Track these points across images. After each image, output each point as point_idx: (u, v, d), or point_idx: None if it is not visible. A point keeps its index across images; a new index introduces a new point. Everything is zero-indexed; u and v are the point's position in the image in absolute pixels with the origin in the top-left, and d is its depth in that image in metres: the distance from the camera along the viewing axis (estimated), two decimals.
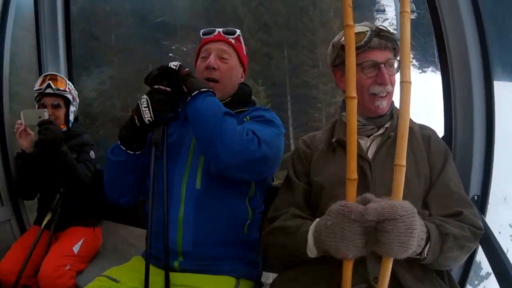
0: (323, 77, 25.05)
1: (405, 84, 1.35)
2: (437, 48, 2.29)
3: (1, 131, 3.33)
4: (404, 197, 1.41)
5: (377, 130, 1.88)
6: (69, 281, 2.67)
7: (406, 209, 1.34)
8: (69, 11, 3.74)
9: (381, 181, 1.73)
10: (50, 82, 2.97)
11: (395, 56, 1.83)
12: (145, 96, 1.99)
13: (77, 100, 3.23)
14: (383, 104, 1.84)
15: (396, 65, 1.81)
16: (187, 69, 1.98)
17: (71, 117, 3.14)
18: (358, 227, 1.36)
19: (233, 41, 2.23)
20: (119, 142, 2.07)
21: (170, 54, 26.72)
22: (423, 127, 1.92)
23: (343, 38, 1.86)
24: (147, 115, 1.96)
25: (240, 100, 2.25)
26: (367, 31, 1.80)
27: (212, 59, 2.13)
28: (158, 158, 2.01)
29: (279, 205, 1.91)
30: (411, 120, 1.85)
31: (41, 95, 3.01)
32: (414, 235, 1.35)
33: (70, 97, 3.09)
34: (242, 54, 2.28)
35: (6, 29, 3.30)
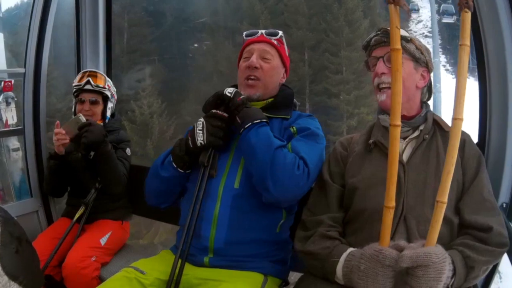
0: (346, 84, 24.18)
1: (457, 121, 1.33)
2: (476, 53, 2.25)
3: (36, 125, 3.41)
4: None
5: (412, 132, 1.88)
6: (94, 273, 2.68)
7: (439, 255, 1.40)
8: (110, 9, 3.77)
9: (413, 184, 1.74)
10: (90, 78, 2.99)
11: (402, 49, 1.82)
12: (201, 119, 2.06)
13: (116, 97, 3.25)
14: (382, 97, 1.88)
15: None
16: (242, 97, 2.05)
17: (108, 113, 3.16)
18: (390, 271, 1.41)
19: (275, 42, 2.26)
20: (171, 159, 2.12)
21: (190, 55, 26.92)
22: None
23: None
24: (200, 138, 2.04)
25: (282, 102, 2.26)
26: (373, 35, 1.93)
27: (254, 59, 2.17)
28: (204, 176, 2.06)
29: (313, 207, 1.93)
30: (447, 125, 1.87)
31: (80, 90, 3.03)
32: (442, 279, 1.41)
33: (108, 93, 3.11)
34: (284, 55, 2.30)
35: (47, 24, 3.36)
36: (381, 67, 1.87)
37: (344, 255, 1.63)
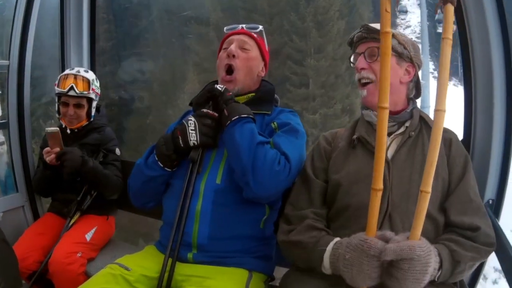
0: (312, 101, 19.87)
1: (440, 112, 1.32)
2: (461, 51, 2.27)
3: (20, 118, 3.39)
4: None
5: (398, 128, 1.88)
6: (80, 268, 2.68)
7: (423, 248, 1.39)
8: (94, 2, 3.74)
9: (398, 181, 1.74)
10: (73, 85, 2.94)
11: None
12: (192, 119, 2.05)
13: (100, 94, 3.21)
14: (363, 93, 1.89)
15: (379, 52, 1.80)
16: (231, 93, 2.07)
17: (93, 112, 3.14)
18: (375, 261, 1.40)
19: (255, 35, 2.29)
20: (156, 158, 2.10)
21: None
22: (445, 130, 1.89)
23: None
24: (193, 138, 2.03)
25: (263, 98, 2.27)
26: (357, 31, 1.93)
27: (233, 47, 2.19)
28: (193, 172, 2.06)
29: (295, 202, 1.93)
30: (433, 122, 1.86)
31: (63, 95, 2.99)
32: (428, 272, 1.40)
33: (93, 96, 3.08)
34: (263, 49, 2.32)
35: (32, 16, 3.34)
36: (361, 62, 1.87)
37: (331, 244, 1.63)
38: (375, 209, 1.40)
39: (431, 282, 1.54)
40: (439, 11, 1.34)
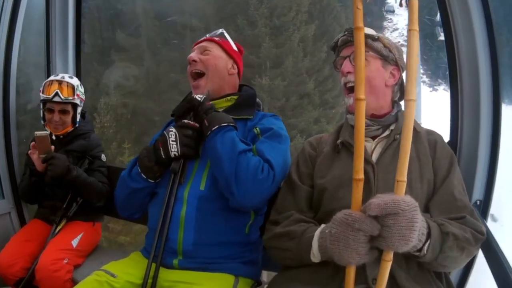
0: None
1: (410, 102, 1.34)
2: (447, 52, 2.28)
3: (6, 123, 3.35)
4: None
5: (383, 132, 1.87)
6: (66, 275, 2.66)
7: (408, 203, 1.35)
8: (80, 7, 3.73)
9: (384, 184, 1.72)
10: (58, 91, 2.94)
11: (368, 47, 1.81)
12: (173, 130, 2.05)
13: (84, 100, 3.19)
14: (350, 102, 1.89)
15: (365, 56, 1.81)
16: (211, 102, 2.08)
17: (78, 118, 3.14)
18: (361, 235, 1.37)
19: (216, 38, 2.31)
20: (139, 170, 2.09)
21: None
22: (430, 132, 1.91)
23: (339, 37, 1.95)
24: (174, 149, 2.03)
25: (245, 102, 2.27)
26: (340, 35, 1.92)
27: (192, 54, 2.22)
28: (174, 183, 2.06)
29: (281, 208, 1.91)
30: (418, 125, 1.88)
31: (48, 101, 2.99)
32: (415, 229, 1.36)
33: (78, 101, 3.07)
34: (227, 47, 2.32)
35: (17, 20, 3.32)
36: (347, 66, 1.86)
37: (319, 229, 1.62)
38: (357, 196, 1.42)
39: (420, 266, 1.56)
40: (404, 4, 1.39)
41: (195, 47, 2.29)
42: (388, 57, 1.85)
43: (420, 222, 1.40)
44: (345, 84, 1.88)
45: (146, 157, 2.08)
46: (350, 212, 1.41)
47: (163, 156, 2.04)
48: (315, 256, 1.61)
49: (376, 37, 1.83)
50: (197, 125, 2.05)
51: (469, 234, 1.61)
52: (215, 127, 1.96)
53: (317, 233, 1.61)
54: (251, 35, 16.35)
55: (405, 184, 1.34)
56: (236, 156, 1.90)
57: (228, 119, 2.02)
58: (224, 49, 2.29)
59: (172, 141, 2.02)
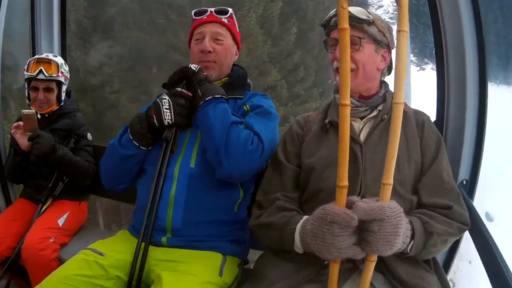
0: None
1: (398, 105, 1.32)
2: (433, 30, 2.27)
3: None
4: (394, 182, 1.42)
5: (370, 112, 1.87)
6: (52, 254, 2.67)
7: (393, 209, 1.36)
8: None
9: (371, 163, 1.72)
10: (42, 68, 2.93)
11: (364, 33, 1.80)
12: (166, 97, 2.04)
13: (69, 78, 3.19)
14: (339, 80, 1.84)
15: (360, 42, 1.79)
16: (205, 73, 2.06)
17: (63, 97, 3.12)
18: (336, 228, 1.35)
19: (226, 20, 2.24)
20: (131, 137, 2.07)
21: None
22: (417, 113, 1.92)
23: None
24: (168, 117, 2.02)
25: (236, 83, 2.26)
26: (333, 12, 1.85)
27: (207, 43, 2.15)
28: (166, 152, 2.05)
29: (267, 188, 1.91)
30: (406, 105, 1.86)
31: (32, 79, 2.98)
32: (400, 234, 1.37)
33: (62, 79, 3.06)
34: (235, 33, 2.29)
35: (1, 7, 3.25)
36: (338, 51, 1.83)
37: (301, 221, 1.62)
38: (341, 203, 1.38)
39: (403, 254, 1.55)
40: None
41: (205, 29, 2.20)
42: (382, 41, 1.83)
43: (404, 227, 1.40)
44: (337, 68, 1.84)
45: (138, 124, 2.06)
46: (325, 206, 1.40)
47: (157, 124, 2.03)
48: (299, 248, 1.61)
49: (371, 20, 1.79)
50: (190, 94, 2.04)
51: (454, 228, 1.63)
52: (209, 98, 1.96)
53: (298, 227, 1.61)
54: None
55: (391, 187, 1.34)
56: (227, 127, 1.90)
57: (221, 91, 2.02)
58: (233, 35, 2.27)
59: (166, 108, 2.01)
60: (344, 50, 1.30)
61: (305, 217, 1.63)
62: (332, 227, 1.35)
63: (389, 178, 1.33)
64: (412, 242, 1.52)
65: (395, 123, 1.32)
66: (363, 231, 1.36)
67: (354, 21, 1.74)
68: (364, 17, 1.76)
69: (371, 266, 1.39)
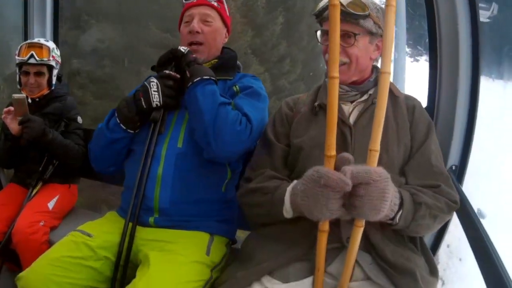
0: None
1: (385, 75, 1.33)
2: (427, 15, 2.26)
3: None
4: (382, 164, 1.42)
5: (361, 96, 1.86)
6: (43, 237, 2.67)
7: (380, 174, 1.35)
8: None
9: (360, 146, 1.72)
10: (33, 52, 2.94)
11: (359, 28, 1.77)
12: (154, 80, 2.04)
13: (60, 62, 3.19)
14: None
15: (356, 37, 1.76)
16: (194, 55, 2.07)
17: (54, 80, 3.12)
18: (330, 191, 1.35)
19: (215, 3, 2.25)
20: (118, 121, 2.08)
21: None
22: (408, 97, 1.92)
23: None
24: (156, 99, 2.03)
25: (226, 64, 2.27)
26: (327, 2, 1.79)
27: (195, 23, 2.16)
28: (154, 132, 2.05)
29: (256, 166, 1.91)
30: (397, 90, 1.87)
31: (24, 64, 2.98)
32: (387, 199, 1.37)
33: (53, 63, 3.06)
34: (225, 16, 2.30)
35: None
36: None
37: (291, 185, 1.61)
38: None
39: (391, 226, 1.56)
40: None
41: (194, 11, 2.21)
42: (377, 33, 1.81)
43: (391, 193, 1.40)
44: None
45: (125, 107, 2.07)
46: (318, 169, 1.39)
47: (145, 106, 2.03)
48: (288, 211, 1.60)
49: (368, 13, 1.75)
50: (178, 76, 2.05)
51: (442, 203, 1.63)
52: (197, 79, 1.96)
53: (289, 188, 1.61)
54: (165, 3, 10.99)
55: (377, 153, 1.34)
56: (216, 107, 1.91)
57: (210, 72, 2.02)
58: (222, 18, 2.28)
59: (154, 91, 2.02)
60: (334, 27, 1.29)
61: (295, 181, 1.62)
62: (326, 190, 1.35)
63: (376, 145, 1.34)
64: (401, 211, 1.52)
65: (382, 92, 1.33)
66: (350, 195, 1.36)
67: (350, 17, 1.73)
68: (360, 12, 1.73)
69: (358, 231, 1.39)
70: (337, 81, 1.33)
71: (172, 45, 2.17)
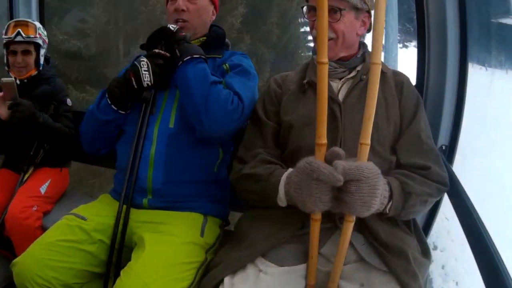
0: None
1: (375, 66, 1.32)
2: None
3: None
4: (373, 142, 1.44)
5: (349, 73, 1.86)
6: (36, 222, 2.66)
7: (371, 170, 1.36)
8: None
9: (350, 123, 1.73)
10: (20, 29, 2.91)
11: (344, 3, 1.76)
12: (144, 59, 2.02)
13: (47, 42, 3.16)
14: None
15: (341, 12, 1.76)
16: (184, 33, 2.04)
17: (42, 61, 3.09)
18: (323, 184, 1.36)
19: None
20: (109, 102, 2.06)
21: None
22: (396, 73, 1.92)
23: None
24: (147, 79, 2.01)
25: (214, 42, 2.26)
26: None
27: (180, 1, 2.14)
28: (146, 112, 2.05)
29: (248, 144, 1.91)
30: (385, 66, 1.86)
31: (11, 42, 2.95)
32: (377, 195, 1.38)
33: (40, 41, 3.03)
34: None
35: None
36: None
37: (286, 173, 1.63)
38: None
39: (382, 214, 1.57)
40: None
41: None
42: (363, 8, 1.81)
43: (382, 189, 1.41)
44: (316, 37, 1.84)
45: (116, 87, 2.05)
46: (310, 161, 1.39)
47: (136, 86, 2.02)
48: (282, 201, 1.62)
49: None
50: (167, 54, 2.04)
51: (432, 188, 1.65)
52: (187, 58, 1.96)
53: (283, 178, 1.62)
54: None
55: (368, 147, 1.35)
56: (207, 87, 1.90)
57: (200, 51, 2.01)
58: None
59: (145, 70, 2.00)
60: (321, 9, 1.28)
61: (290, 169, 1.63)
62: (319, 183, 1.36)
63: (367, 138, 1.33)
64: (391, 203, 1.53)
65: (372, 84, 1.32)
66: (341, 191, 1.37)
67: None
68: None
69: (349, 226, 1.40)
70: (326, 67, 1.32)
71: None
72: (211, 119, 1.89)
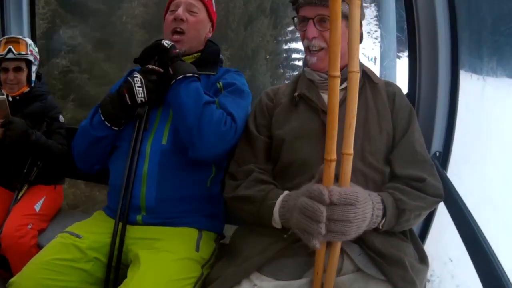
0: None
1: (353, 74, 1.33)
2: (405, 7, 2.28)
3: None
4: (366, 152, 1.46)
5: (340, 84, 1.86)
6: (31, 241, 2.65)
7: (362, 195, 1.41)
8: None
9: (341, 136, 1.72)
10: (11, 46, 2.92)
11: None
12: (138, 75, 2.01)
13: (38, 58, 3.17)
14: (313, 60, 1.84)
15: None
16: (177, 50, 2.03)
17: (33, 77, 3.09)
18: (323, 225, 1.37)
19: None
20: (102, 118, 2.05)
21: None
22: (388, 84, 1.92)
23: None
24: (141, 95, 1.99)
25: (208, 59, 2.26)
26: None
27: (180, 11, 2.14)
28: (140, 129, 2.04)
29: (240, 160, 1.91)
30: (376, 77, 1.87)
31: (2, 59, 2.96)
32: (367, 218, 1.42)
33: (31, 58, 3.04)
34: (211, 10, 2.30)
35: None
36: (311, 31, 1.79)
37: (281, 197, 1.62)
38: (329, 177, 1.39)
39: (376, 230, 1.56)
40: None
41: (181, 0, 2.20)
42: None
43: (369, 213, 1.44)
44: (308, 47, 1.84)
45: (109, 104, 2.04)
46: (307, 202, 1.40)
47: (129, 103, 2.01)
48: (277, 223, 1.62)
49: None
50: (161, 70, 2.03)
51: (427, 202, 1.65)
52: (180, 77, 1.95)
53: (278, 201, 1.62)
54: None
55: (351, 157, 1.35)
56: (200, 107, 1.89)
57: (193, 69, 2.01)
58: (208, 12, 2.28)
59: (138, 86, 1.99)
60: (334, 19, 1.29)
61: (285, 192, 1.64)
62: (318, 225, 1.36)
63: (349, 148, 1.33)
64: (384, 219, 1.54)
65: (352, 92, 1.34)
66: (333, 220, 1.37)
67: (326, 1, 1.71)
68: None
69: (338, 245, 1.43)
70: (338, 80, 1.33)
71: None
72: (204, 141, 1.88)
